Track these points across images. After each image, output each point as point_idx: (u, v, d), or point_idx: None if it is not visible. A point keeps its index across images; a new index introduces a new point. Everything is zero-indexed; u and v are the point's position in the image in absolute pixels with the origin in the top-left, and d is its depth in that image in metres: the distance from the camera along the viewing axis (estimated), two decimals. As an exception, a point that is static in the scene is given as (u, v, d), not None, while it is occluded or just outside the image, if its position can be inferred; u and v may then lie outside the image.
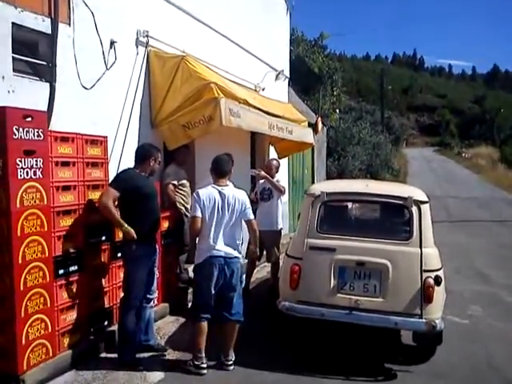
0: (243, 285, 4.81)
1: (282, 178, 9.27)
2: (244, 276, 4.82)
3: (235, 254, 4.57)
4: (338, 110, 19.78)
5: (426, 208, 4.88)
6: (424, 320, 4.56)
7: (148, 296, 4.87)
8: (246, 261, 4.98)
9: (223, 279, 4.52)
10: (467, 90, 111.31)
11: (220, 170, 4.68)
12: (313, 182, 14.60)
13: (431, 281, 4.61)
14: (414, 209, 4.83)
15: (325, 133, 16.67)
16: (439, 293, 4.67)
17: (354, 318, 4.64)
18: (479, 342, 5.55)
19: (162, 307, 5.88)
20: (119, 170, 5.66)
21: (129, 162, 5.98)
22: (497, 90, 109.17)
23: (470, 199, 21.49)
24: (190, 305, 5.48)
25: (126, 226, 4.54)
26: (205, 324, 4.50)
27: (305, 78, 15.17)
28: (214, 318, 4.54)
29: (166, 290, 5.99)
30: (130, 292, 4.67)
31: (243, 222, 4.67)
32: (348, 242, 4.84)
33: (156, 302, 5.73)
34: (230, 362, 4.56)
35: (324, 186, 5.35)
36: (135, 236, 4.54)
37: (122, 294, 4.82)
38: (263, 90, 10.05)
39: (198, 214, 4.50)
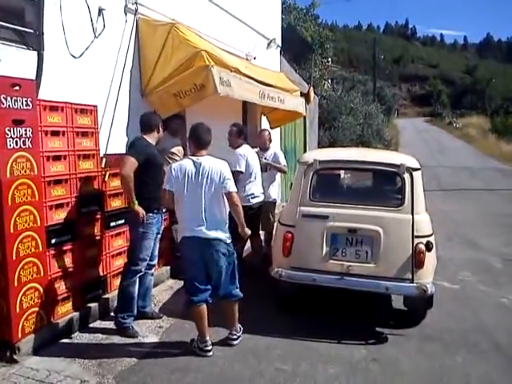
0: (233, 263, 4.38)
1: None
2: (235, 255, 4.42)
3: (215, 234, 4.20)
4: (329, 80, 19.65)
5: (417, 175, 4.90)
6: (415, 284, 4.62)
7: (150, 263, 4.88)
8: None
9: (207, 260, 4.25)
10: (459, 59, 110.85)
11: (199, 140, 4.34)
12: (305, 152, 14.59)
13: (422, 246, 4.66)
14: (406, 176, 4.85)
15: (317, 103, 16.57)
16: (430, 258, 4.72)
17: (345, 283, 4.70)
18: (469, 307, 5.65)
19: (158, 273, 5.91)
20: (110, 140, 5.64)
21: (119, 131, 5.97)
22: (489, 60, 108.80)
23: (461, 169, 21.61)
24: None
25: (137, 205, 4.56)
26: (201, 308, 4.26)
27: (296, 46, 15.00)
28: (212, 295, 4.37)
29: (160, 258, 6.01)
30: (135, 258, 4.68)
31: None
32: (340, 209, 4.86)
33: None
34: (235, 337, 4.46)
35: (317, 154, 5.34)
36: (143, 216, 4.57)
37: (126, 260, 4.89)
38: (254, 58, 9.93)
39: (167, 186, 4.24)
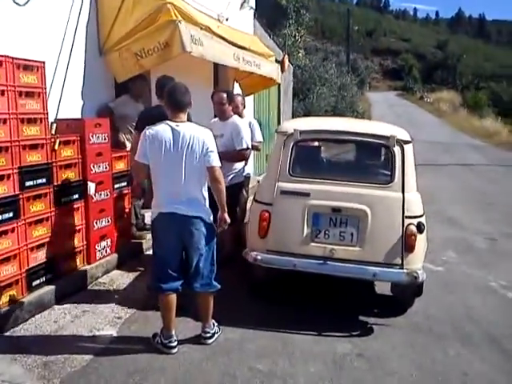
0: (213, 248, 3.82)
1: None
2: (215, 239, 3.85)
3: (196, 212, 3.66)
4: (303, 50, 18.97)
5: (409, 148, 4.39)
6: (405, 271, 4.15)
7: None
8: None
9: (184, 241, 3.70)
10: (431, 34, 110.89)
11: (176, 102, 3.69)
12: (279, 123, 14.00)
13: (413, 228, 4.18)
14: (397, 149, 4.33)
15: (291, 72, 15.91)
16: (421, 241, 4.25)
17: (328, 268, 4.19)
18: (456, 292, 5.26)
19: (113, 258, 5.30)
20: (61, 103, 4.93)
21: (73, 93, 5.26)
22: (460, 35, 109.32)
23: (434, 143, 21.34)
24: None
25: None
26: (170, 297, 3.70)
27: (271, 11, 14.23)
28: (184, 285, 3.80)
29: (119, 238, 5.40)
30: None
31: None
32: (323, 185, 4.32)
33: (109, 251, 5.19)
34: (209, 335, 3.87)
35: (297, 124, 4.74)
36: None
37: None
38: (227, 20, 9.17)
39: (141, 158, 3.66)
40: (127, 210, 5.60)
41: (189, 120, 3.83)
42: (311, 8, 23.01)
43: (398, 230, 4.18)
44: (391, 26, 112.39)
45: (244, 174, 5.63)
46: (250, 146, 5.25)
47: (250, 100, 11.00)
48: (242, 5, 10.01)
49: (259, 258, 4.27)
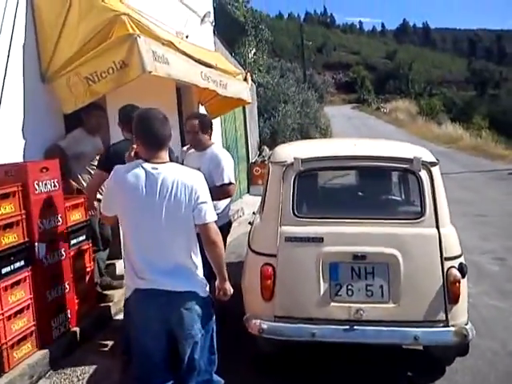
0: (211, 330, 2.86)
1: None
2: (214, 317, 2.87)
3: (184, 286, 2.67)
4: (261, 68, 18.28)
5: (437, 171, 3.56)
6: (452, 328, 3.28)
7: None
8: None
9: (171, 327, 2.71)
10: (379, 45, 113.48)
11: (152, 136, 2.69)
12: (247, 145, 13.14)
13: (456, 272, 3.32)
14: (424, 174, 3.49)
15: (254, 90, 15.12)
16: (465, 287, 3.40)
17: (357, 335, 3.26)
18: (491, 334, 4.40)
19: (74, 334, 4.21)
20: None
21: (10, 130, 4.23)
22: (407, 44, 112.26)
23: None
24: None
25: None
26: None
27: (229, 27, 13.45)
28: None
29: (81, 306, 4.33)
30: None
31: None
32: (339, 226, 3.43)
33: (68, 325, 4.10)
34: None
35: (295, 150, 3.83)
36: None
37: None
38: (187, 37, 8.28)
39: (107, 212, 2.81)
40: (89, 269, 4.55)
41: (171, 160, 2.85)
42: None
43: (438, 277, 3.32)
44: (340, 40, 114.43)
45: (230, 213, 4.67)
46: (232, 181, 4.28)
47: (217, 122, 10.13)
48: (203, 19, 9.15)
49: (265, 327, 3.31)
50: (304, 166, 3.53)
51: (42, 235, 3.85)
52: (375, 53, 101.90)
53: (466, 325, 3.33)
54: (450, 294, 3.30)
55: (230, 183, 4.24)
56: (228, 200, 4.52)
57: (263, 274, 3.37)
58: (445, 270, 3.33)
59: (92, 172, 4.70)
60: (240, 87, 8.33)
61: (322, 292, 3.33)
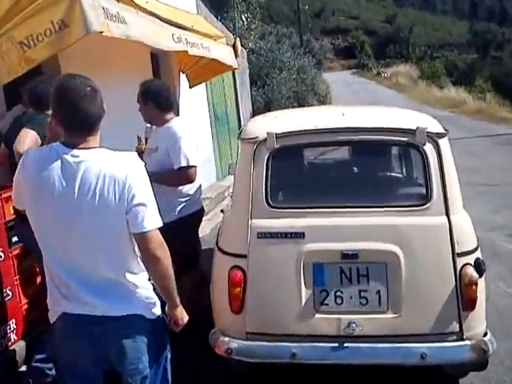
0: (164, 360, 2.20)
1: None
2: (166, 346, 2.21)
3: (121, 309, 2.02)
4: (253, 33, 17.33)
5: (445, 145, 2.85)
6: (468, 342, 2.61)
7: None
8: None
9: (110, 364, 2.09)
10: (378, 9, 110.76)
11: (72, 114, 1.96)
12: (239, 117, 12.35)
13: (471, 271, 2.65)
14: (429, 148, 2.77)
15: (245, 57, 14.24)
16: (483, 288, 2.73)
17: (348, 354, 2.60)
18: (507, 330, 3.75)
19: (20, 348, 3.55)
20: None
21: None
22: (407, 8, 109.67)
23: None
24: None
25: None
26: None
27: (215, -10, 12.52)
28: None
29: (30, 314, 3.68)
30: None
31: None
32: (324, 218, 2.73)
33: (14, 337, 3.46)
34: None
35: (270, 123, 3.08)
36: None
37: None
38: (160, -4, 7.41)
39: (18, 205, 2.11)
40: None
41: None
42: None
43: (449, 278, 2.64)
44: (338, 5, 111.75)
45: (200, 199, 3.97)
46: (192, 163, 3.54)
47: (202, 92, 9.35)
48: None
49: (234, 347, 2.64)
50: (279, 143, 2.81)
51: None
52: (374, 17, 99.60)
53: (485, 336, 2.67)
54: (464, 298, 2.63)
55: (190, 166, 3.53)
56: (197, 183, 3.82)
57: (231, 280, 2.69)
58: (458, 269, 2.65)
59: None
60: (223, 50, 7.54)
61: (303, 301, 2.65)
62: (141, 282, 2.06)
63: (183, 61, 7.87)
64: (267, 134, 2.81)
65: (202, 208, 4.01)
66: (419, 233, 2.68)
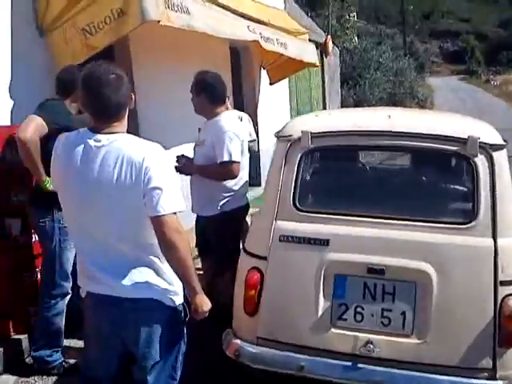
0: (178, 350, 2.17)
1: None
2: (182, 338, 2.18)
3: (134, 291, 2.01)
4: (353, 30, 16.91)
5: (501, 158, 2.53)
6: (500, 382, 2.31)
7: None
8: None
9: (125, 344, 2.12)
10: (491, 12, 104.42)
11: (94, 100, 2.01)
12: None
13: (515, 303, 2.33)
14: (481, 160, 2.48)
15: (337, 55, 13.96)
16: (529, 324, 2.40)
17: (361, 376, 2.39)
18: None
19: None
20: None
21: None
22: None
23: (509, 131, 18.71)
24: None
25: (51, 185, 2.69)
26: None
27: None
28: None
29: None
30: (55, 277, 3.11)
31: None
32: (352, 227, 2.54)
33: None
34: None
35: (310, 122, 2.92)
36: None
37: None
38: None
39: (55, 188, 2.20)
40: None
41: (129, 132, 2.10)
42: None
43: (487, 307, 2.35)
44: (449, 7, 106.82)
45: (246, 195, 3.88)
46: (235, 159, 3.45)
47: (283, 89, 9.24)
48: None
49: (243, 350, 2.54)
50: (315, 143, 2.65)
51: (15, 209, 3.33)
52: (487, 20, 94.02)
53: (525, 378, 2.34)
54: (502, 332, 2.33)
55: (232, 161, 3.44)
56: (243, 179, 3.74)
57: (247, 281, 2.58)
58: (498, 299, 2.35)
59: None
60: (303, 47, 7.39)
61: (320, 312, 2.48)
62: (166, 268, 2.04)
63: (264, 57, 7.84)
64: (302, 132, 2.66)
65: (248, 204, 3.91)
66: (457, 253, 2.40)
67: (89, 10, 3.71)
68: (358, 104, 14.22)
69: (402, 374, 2.35)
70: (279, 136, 2.81)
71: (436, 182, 2.89)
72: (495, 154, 2.50)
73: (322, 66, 12.47)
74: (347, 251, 2.49)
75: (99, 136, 1.99)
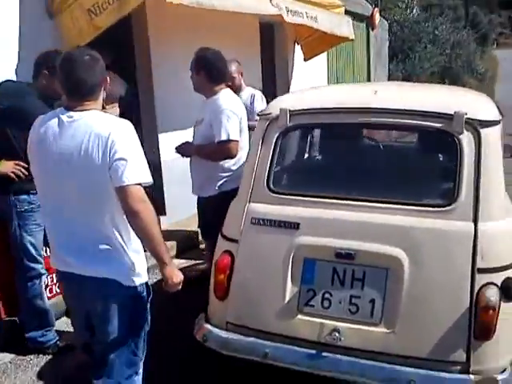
0: (141, 328, 2.22)
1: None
2: (147, 309, 2.21)
3: (97, 270, 2.08)
4: (399, 3, 16.16)
5: (491, 136, 2.32)
6: (472, 377, 2.15)
7: None
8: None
9: (90, 317, 2.23)
10: None
11: (68, 81, 2.10)
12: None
13: (492, 292, 2.16)
14: (467, 138, 2.29)
15: (386, 29, 13.41)
16: (509, 317, 2.21)
17: (325, 364, 2.28)
18: None
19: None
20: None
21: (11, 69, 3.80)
22: None
23: None
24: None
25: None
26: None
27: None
28: None
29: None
30: (26, 260, 3.08)
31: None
32: (323, 209, 2.42)
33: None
34: None
35: (290, 99, 2.80)
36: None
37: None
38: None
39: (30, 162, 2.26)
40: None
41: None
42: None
43: (462, 296, 2.19)
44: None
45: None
46: (233, 137, 3.37)
47: (322, 63, 8.97)
48: None
49: (210, 335, 2.49)
50: (293, 121, 2.54)
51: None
52: None
53: (502, 373, 2.17)
54: (478, 324, 2.16)
55: (230, 140, 3.36)
56: (242, 158, 3.65)
57: (217, 264, 2.53)
58: (476, 288, 2.18)
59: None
60: (335, 21, 7.10)
61: (287, 298, 2.39)
62: (130, 247, 2.09)
63: (298, 32, 7.64)
64: (280, 110, 2.55)
65: None
66: (433, 238, 2.24)
67: (93, -8, 3.71)
68: (406, 78, 13.63)
69: (368, 364, 2.23)
70: (259, 114, 2.72)
71: (418, 161, 2.70)
72: (484, 131, 2.30)
73: (368, 39, 12.03)
74: (317, 235, 2.38)
75: (72, 113, 2.05)
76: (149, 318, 2.22)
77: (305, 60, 7.95)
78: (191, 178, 3.79)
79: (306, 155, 2.90)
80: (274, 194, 2.52)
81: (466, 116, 2.29)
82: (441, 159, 2.62)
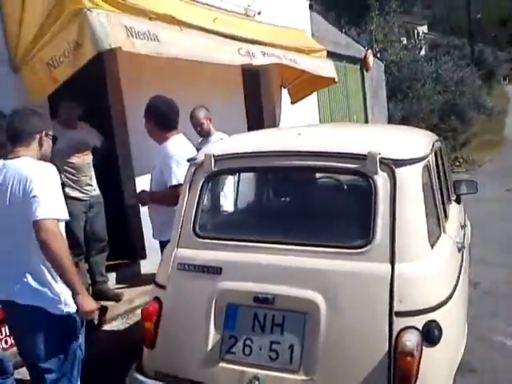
0: (78, 355, 2.43)
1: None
2: (77, 340, 2.42)
3: (26, 298, 2.31)
4: (395, 44, 16.36)
5: (407, 174, 2.30)
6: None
7: None
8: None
9: (19, 337, 2.53)
10: None
11: (8, 129, 2.50)
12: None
13: (411, 336, 2.08)
14: (381, 178, 2.27)
15: (382, 70, 13.56)
16: (436, 362, 2.13)
17: (244, 414, 2.23)
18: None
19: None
20: None
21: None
22: None
23: None
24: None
25: None
26: None
27: (352, 5, 12.14)
28: None
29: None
30: None
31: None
32: (244, 253, 2.40)
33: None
34: None
35: (218, 145, 2.81)
36: None
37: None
38: (259, 13, 7.37)
39: None
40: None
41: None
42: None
43: (380, 341, 2.12)
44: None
45: None
46: (183, 182, 3.41)
47: (311, 105, 9.02)
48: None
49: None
50: (218, 166, 2.55)
51: None
52: None
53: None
54: (397, 371, 2.08)
55: (180, 185, 3.38)
56: None
57: (144, 312, 2.51)
58: (394, 333, 2.11)
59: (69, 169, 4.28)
60: (319, 64, 7.24)
61: (209, 346, 2.34)
62: (48, 278, 2.31)
63: (285, 76, 7.79)
64: (205, 155, 2.57)
65: None
66: (349, 281, 2.19)
67: (51, 43, 3.85)
68: (405, 118, 13.66)
69: (285, 413, 2.16)
70: (188, 160, 2.74)
71: (338, 203, 2.68)
72: (399, 171, 2.28)
73: (363, 81, 12.18)
74: (238, 279, 2.36)
75: (7, 161, 2.40)
76: (82, 346, 2.42)
77: (292, 103, 8.05)
78: (151, 223, 3.82)
79: (232, 200, 2.90)
80: (200, 239, 2.51)
81: (379, 156, 2.28)
82: (359, 200, 2.59)
